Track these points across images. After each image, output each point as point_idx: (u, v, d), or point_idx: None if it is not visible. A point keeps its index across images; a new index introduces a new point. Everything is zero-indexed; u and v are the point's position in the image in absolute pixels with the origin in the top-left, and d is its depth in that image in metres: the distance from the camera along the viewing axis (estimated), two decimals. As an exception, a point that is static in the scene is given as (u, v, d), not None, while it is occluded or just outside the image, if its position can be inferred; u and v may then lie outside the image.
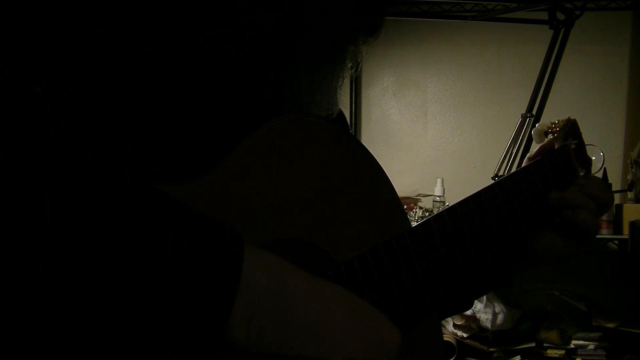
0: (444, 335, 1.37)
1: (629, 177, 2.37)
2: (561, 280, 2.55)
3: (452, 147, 2.74)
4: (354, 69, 0.69)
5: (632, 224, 2.15)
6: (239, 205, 0.55)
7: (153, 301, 0.42)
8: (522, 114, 2.17)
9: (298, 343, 0.48)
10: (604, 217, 2.24)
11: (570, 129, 0.87)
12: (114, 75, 0.51)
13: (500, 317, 2.32)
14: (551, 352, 2.32)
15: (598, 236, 2.19)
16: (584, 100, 2.60)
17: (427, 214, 2.37)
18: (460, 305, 0.85)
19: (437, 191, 2.49)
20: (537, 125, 0.89)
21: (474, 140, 2.71)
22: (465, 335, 2.35)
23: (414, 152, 2.76)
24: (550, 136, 0.86)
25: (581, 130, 0.89)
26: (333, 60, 0.65)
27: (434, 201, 2.49)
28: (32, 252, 0.39)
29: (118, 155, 0.52)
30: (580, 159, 0.86)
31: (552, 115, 0.98)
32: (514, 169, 1.50)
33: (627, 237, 2.19)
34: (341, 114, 0.74)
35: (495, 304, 2.35)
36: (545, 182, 0.80)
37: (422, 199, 2.52)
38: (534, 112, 2.14)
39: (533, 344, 2.35)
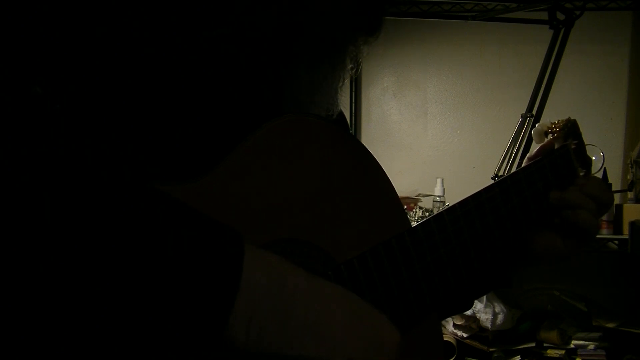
0: (444, 335, 1.37)
1: (629, 177, 2.37)
2: (561, 280, 2.55)
3: (452, 147, 2.74)
4: (354, 70, 0.69)
5: (632, 224, 2.15)
6: (239, 205, 0.55)
7: (153, 301, 0.42)
8: (522, 114, 2.17)
9: (298, 343, 0.48)
10: (604, 217, 2.24)
11: (570, 129, 0.87)
12: (113, 75, 0.51)
13: (500, 317, 2.32)
14: (551, 352, 2.32)
15: (598, 236, 2.19)
16: (584, 100, 2.60)
17: (427, 214, 2.37)
18: (460, 305, 0.85)
19: (437, 191, 2.49)
20: (537, 125, 0.89)
21: (474, 140, 2.71)
22: (465, 335, 2.35)
23: (414, 152, 2.76)
24: (550, 136, 0.86)
25: (581, 130, 0.89)
26: (333, 60, 0.65)
27: (434, 201, 2.49)
28: (32, 252, 0.39)
29: (118, 155, 0.52)
30: (580, 159, 0.86)
31: (552, 115, 0.98)
32: (514, 169, 1.50)
33: (627, 237, 2.19)
34: (341, 114, 0.74)
35: (495, 304, 2.35)
36: (545, 182, 0.80)
37: (422, 199, 2.52)
38: (534, 112, 2.14)
39: (533, 344, 2.35)
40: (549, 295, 2.56)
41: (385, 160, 1.02)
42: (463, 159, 2.71)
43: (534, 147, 0.87)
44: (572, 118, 0.88)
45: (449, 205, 0.72)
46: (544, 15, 2.15)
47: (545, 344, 2.35)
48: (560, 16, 2.13)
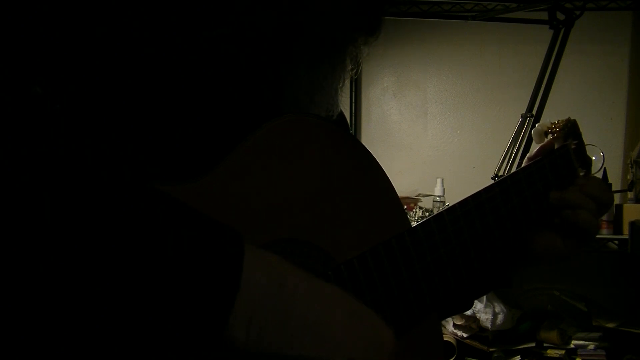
0: (444, 335, 1.37)
1: (629, 177, 2.37)
2: (561, 280, 2.55)
3: (452, 147, 2.74)
4: (354, 70, 0.69)
5: (632, 224, 2.15)
6: (239, 205, 0.55)
7: (153, 301, 0.42)
8: (522, 114, 2.18)
9: (298, 343, 0.48)
10: (604, 217, 2.24)
11: (570, 129, 0.87)
12: (113, 75, 0.51)
13: (500, 317, 2.32)
14: (551, 352, 2.32)
15: (598, 236, 2.19)
16: (584, 100, 2.60)
17: (427, 214, 2.37)
18: (460, 305, 0.85)
19: (437, 191, 2.49)
20: (537, 125, 0.89)
21: (474, 140, 2.71)
22: (465, 335, 2.35)
23: (414, 152, 2.76)
24: (550, 136, 0.86)
25: (581, 130, 0.89)
26: (333, 60, 0.65)
27: (434, 201, 2.49)
28: (32, 252, 0.39)
29: (118, 155, 0.52)
30: (580, 159, 0.86)
31: (552, 115, 0.98)
32: (514, 169, 1.50)
33: (627, 237, 2.19)
34: (341, 114, 0.74)
35: (495, 304, 2.35)
36: (545, 182, 0.80)
37: (422, 199, 2.52)
38: (534, 112, 2.15)
39: (533, 344, 2.35)
40: (549, 295, 2.56)
41: (385, 160, 1.02)
42: (463, 159, 2.71)
43: (534, 147, 0.87)
44: (572, 118, 0.88)
45: (449, 205, 0.72)
46: (544, 15, 2.15)
47: (545, 344, 2.35)
48: (560, 16, 2.13)
